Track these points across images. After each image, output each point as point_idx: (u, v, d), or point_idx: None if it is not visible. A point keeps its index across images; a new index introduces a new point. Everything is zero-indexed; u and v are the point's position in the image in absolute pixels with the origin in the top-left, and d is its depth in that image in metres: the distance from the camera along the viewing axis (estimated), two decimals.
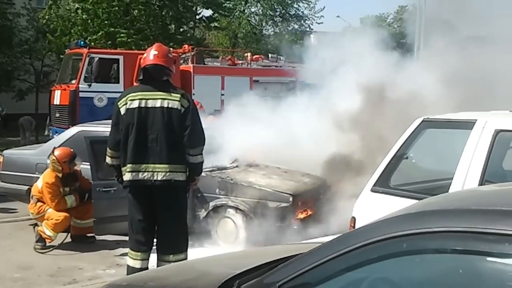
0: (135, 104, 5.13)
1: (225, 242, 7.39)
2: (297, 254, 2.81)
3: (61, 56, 21.26)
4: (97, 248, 7.49)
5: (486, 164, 4.01)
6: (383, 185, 4.65)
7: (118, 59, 16.40)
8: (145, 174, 5.11)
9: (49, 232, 7.43)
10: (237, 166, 8.10)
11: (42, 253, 7.30)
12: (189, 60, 17.76)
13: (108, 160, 5.41)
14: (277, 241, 6.95)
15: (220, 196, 7.41)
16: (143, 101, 5.14)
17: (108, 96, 15.42)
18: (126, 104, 5.16)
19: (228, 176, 7.55)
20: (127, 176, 5.15)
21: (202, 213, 7.49)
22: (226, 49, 29.73)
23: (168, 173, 5.12)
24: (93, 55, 15.66)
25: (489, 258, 1.92)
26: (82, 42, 16.85)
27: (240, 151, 8.55)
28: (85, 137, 7.47)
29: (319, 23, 37.27)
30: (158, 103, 5.13)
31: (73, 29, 22.47)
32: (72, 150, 7.58)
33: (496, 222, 1.88)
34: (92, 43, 20.10)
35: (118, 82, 16.19)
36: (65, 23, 22.88)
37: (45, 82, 27.21)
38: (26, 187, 8.52)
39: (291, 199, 7.10)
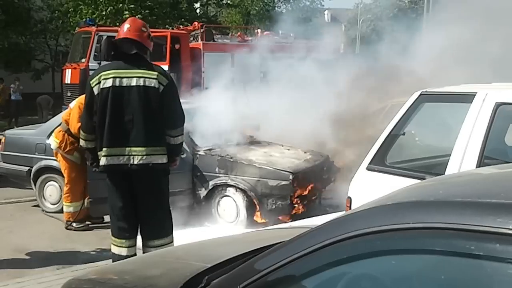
0: (109, 83, 4.65)
1: (226, 221, 7.14)
2: (276, 243, 2.54)
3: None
4: (94, 229, 7.26)
5: (486, 139, 3.64)
6: (379, 163, 4.30)
7: None
8: (121, 158, 4.69)
9: (67, 208, 7.21)
10: (238, 144, 7.80)
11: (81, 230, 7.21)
12: (199, 37, 17.40)
13: (82, 143, 4.99)
14: (277, 220, 6.71)
15: (220, 175, 7.13)
16: (117, 79, 4.66)
17: None
18: (99, 83, 4.68)
19: (228, 155, 7.24)
20: (102, 161, 4.72)
21: (202, 192, 7.21)
22: (237, 26, 29.21)
23: (145, 157, 4.69)
24: (101, 33, 15.35)
25: (475, 260, 1.55)
26: (90, 21, 16.58)
27: (243, 128, 8.28)
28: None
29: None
30: (133, 82, 4.67)
31: (83, 7, 22.09)
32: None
33: (484, 218, 1.51)
34: (102, 20, 19.80)
35: None
36: (76, 1, 22.55)
37: (62, 61, 27.11)
38: (26, 168, 8.33)
39: (291, 177, 6.80)
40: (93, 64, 15.23)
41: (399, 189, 2.13)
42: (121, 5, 21.40)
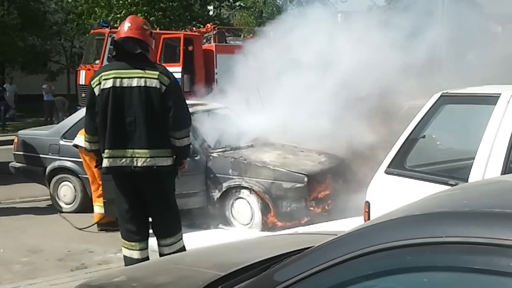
0: (109, 83, 4.48)
1: (240, 223, 6.99)
2: (294, 251, 2.39)
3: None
4: (110, 230, 7.12)
5: (511, 143, 3.48)
6: (398, 166, 4.13)
7: None
8: (124, 160, 4.52)
9: (101, 209, 6.94)
10: (252, 146, 7.64)
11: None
12: (212, 39, 17.31)
13: (86, 145, 4.83)
14: (292, 223, 6.56)
15: (234, 177, 6.98)
16: (118, 80, 4.49)
17: None
18: (100, 84, 4.50)
19: (242, 156, 7.09)
20: (105, 163, 4.56)
21: (216, 194, 7.05)
22: (249, 28, 29.03)
23: (149, 159, 4.52)
24: (115, 35, 15.26)
25: None
26: (104, 22, 16.52)
27: (257, 130, 8.12)
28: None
29: (343, 1, 36.31)
30: (134, 82, 4.49)
31: (97, 8, 21.99)
32: None
33: None
34: (117, 23, 19.72)
35: None
36: (91, 4, 22.52)
37: (77, 63, 27.16)
38: (40, 168, 8.24)
39: (306, 179, 6.63)
40: None
41: (427, 197, 1.97)
42: (135, 7, 21.31)
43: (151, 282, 2.54)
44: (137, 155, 4.52)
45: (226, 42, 17.59)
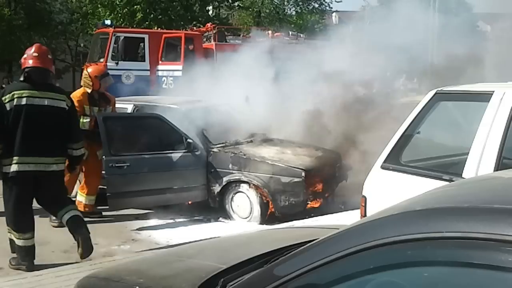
0: (23, 101, 5.10)
1: (239, 216, 6.97)
2: (295, 244, 2.36)
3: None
4: (113, 222, 7.08)
5: (504, 139, 3.43)
6: (393, 161, 4.08)
7: (143, 38, 15.96)
8: (32, 166, 5.14)
9: (80, 197, 7.14)
10: (251, 141, 7.61)
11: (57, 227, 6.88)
12: (212, 38, 17.21)
13: None
14: (290, 217, 6.54)
15: (234, 172, 6.95)
16: (31, 98, 5.12)
17: (135, 73, 15.11)
18: (12, 100, 5.08)
19: (241, 151, 7.06)
20: (14, 167, 5.10)
21: (216, 188, 7.04)
22: (248, 27, 28.92)
23: (53, 165, 5.26)
24: (119, 34, 15.21)
25: None
26: (108, 22, 16.42)
27: (256, 126, 8.08)
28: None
29: (338, 1, 36.33)
30: (46, 102, 5.18)
31: (101, 9, 21.91)
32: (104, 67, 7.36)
33: None
34: (118, 21, 19.65)
35: (144, 60, 15.78)
36: (95, 4, 22.43)
37: (83, 61, 27.13)
38: None
39: (303, 174, 6.61)
40: (111, 64, 15.04)
41: (427, 192, 1.92)
42: (136, 6, 21.18)
43: (155, 274, 2.51)
44: (45, 162, 5.22)
45: (226, 41, 17.50)
